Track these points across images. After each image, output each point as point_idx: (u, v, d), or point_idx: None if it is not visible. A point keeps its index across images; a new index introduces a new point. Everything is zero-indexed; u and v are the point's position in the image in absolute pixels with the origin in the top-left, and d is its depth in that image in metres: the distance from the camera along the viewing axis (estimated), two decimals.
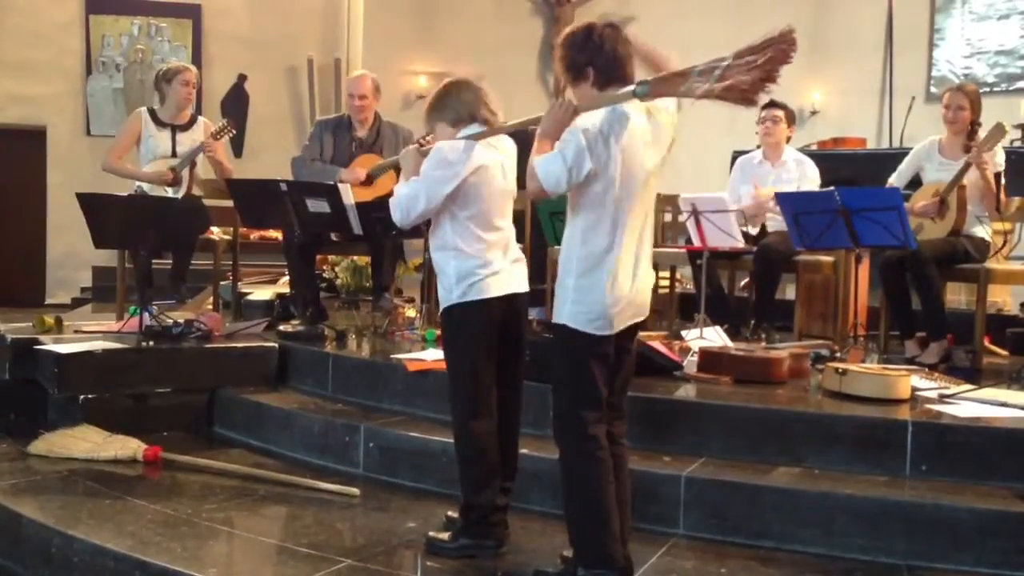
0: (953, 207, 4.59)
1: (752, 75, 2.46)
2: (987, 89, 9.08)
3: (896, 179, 4.94)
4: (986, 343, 4.85)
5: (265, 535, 3.17)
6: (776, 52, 2.45)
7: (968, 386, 3.82)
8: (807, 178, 5.27)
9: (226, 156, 5.69)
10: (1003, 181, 4.60)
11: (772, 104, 5.16)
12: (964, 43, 9.45)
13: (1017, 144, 7.08)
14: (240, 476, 3.78)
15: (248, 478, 3.76)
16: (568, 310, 2.63)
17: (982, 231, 4.71)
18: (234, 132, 5.71)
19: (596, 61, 2.66)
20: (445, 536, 3.01)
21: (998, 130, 4.48)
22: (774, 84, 2.49)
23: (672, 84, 2.56)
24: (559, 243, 2.89)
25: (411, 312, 5.32)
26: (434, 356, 4.16)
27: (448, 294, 3.00)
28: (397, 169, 3.79)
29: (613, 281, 2.61)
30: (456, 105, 3.03)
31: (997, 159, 4.62)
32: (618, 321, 2.64)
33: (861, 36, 9.53)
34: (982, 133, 4.63)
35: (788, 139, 5.42)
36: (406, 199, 2.97)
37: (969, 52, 9.42)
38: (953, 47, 9.48)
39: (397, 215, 3.01)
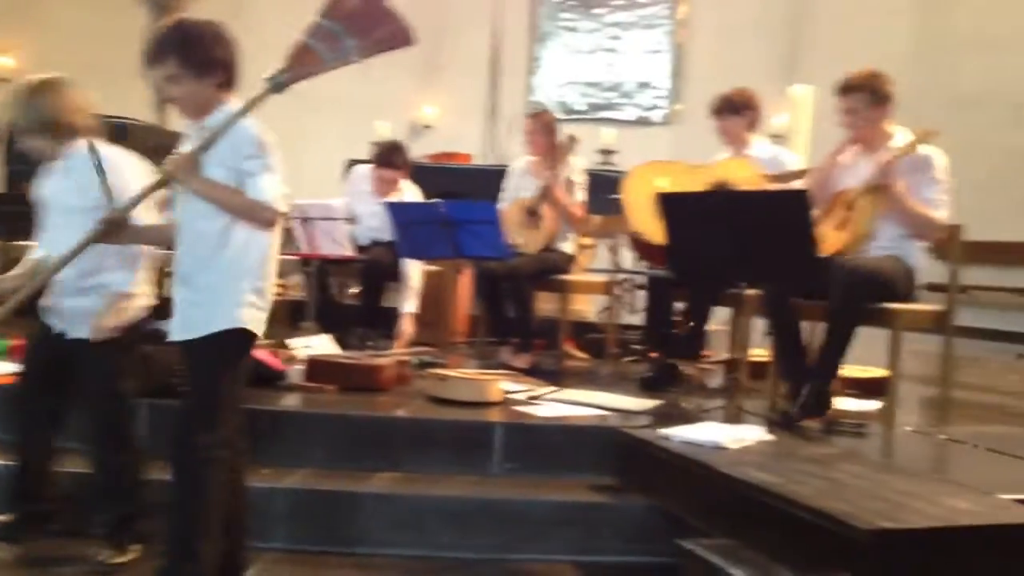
0: (547, 220, 4.95)
1: (382, 30, 2.61)
2: (577, 116, 10.03)
3: (505, 200, 5.27)
4: (569, 348, 5.33)
5: None
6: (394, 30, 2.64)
7: (552, 388, 4.16)
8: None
9: None
10: (583, 197, 5.05)
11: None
12: (559, 73, 10.33)
13: (600, 166, 7.88)
14: None
15: None
16: (245, 313, 2.54)
17: (568, 246, 5.16)
18: None
19: (228, 60, 2.53)
20: None
21: (569, 141, 4.93)
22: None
23: (306, 67, 2.57)
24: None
25: None
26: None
27: None
28: None
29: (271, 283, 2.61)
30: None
31: (575, 176, 5.05)
32: None
33: (471, 58, 10.08)
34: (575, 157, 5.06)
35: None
36: None
37: (564, 81, 10.32)
38: (550, 76, 10.34)
39: None
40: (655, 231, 3.95)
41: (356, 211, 5.46)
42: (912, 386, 4.54)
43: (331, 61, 2.60)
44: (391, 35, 2.66)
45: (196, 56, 2.47)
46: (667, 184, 4.34)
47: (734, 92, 4.79)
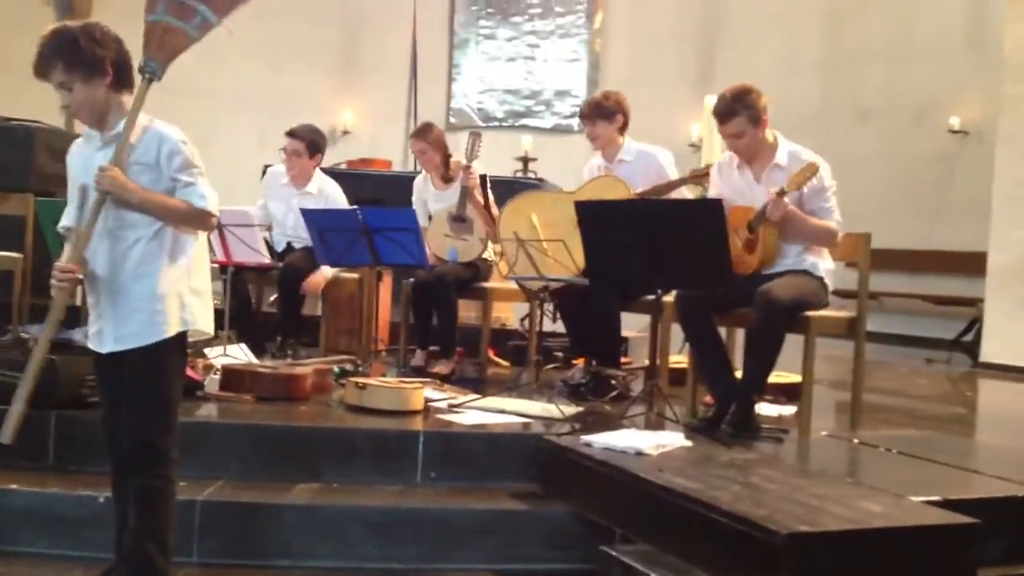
0: (477, 223, 4.95)
1: None
2: (496, 124, 10.07)
3: (420, 217, 5.25)
4: (491, 355, 5.33)
5: None
6: None
7: (474, 395, 4.15)
8: None
9: None
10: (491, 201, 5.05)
11: None
12: (478, 80, 10.35)
13: (519, 174, 7.91)
14: None
15: None
16: (188, 315, 2.56)
17: (488, 253, 5.16)
18: None
19: (114, 58, 2.48)
20: None
21: (473, 140, 4.95)
22: None
23: (175, 44, 2.56)
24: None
25: None
26: None
27: None
28: None
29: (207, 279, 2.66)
30: None
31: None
32: None
33: (389, 63, 10.03)
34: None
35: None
36: None
37: (483, 88, 10.34)
38: (469, 83, 10.35)
39: None
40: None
41: (272, 213, 5.39)
42: (826, 391, 4.68)
43: (194, 31, 2.60)
44: None
45: (80, 59, 2.45)
46: (540, 217, 4.41)
47: (602, 96, 4.77)
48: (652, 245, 3.54)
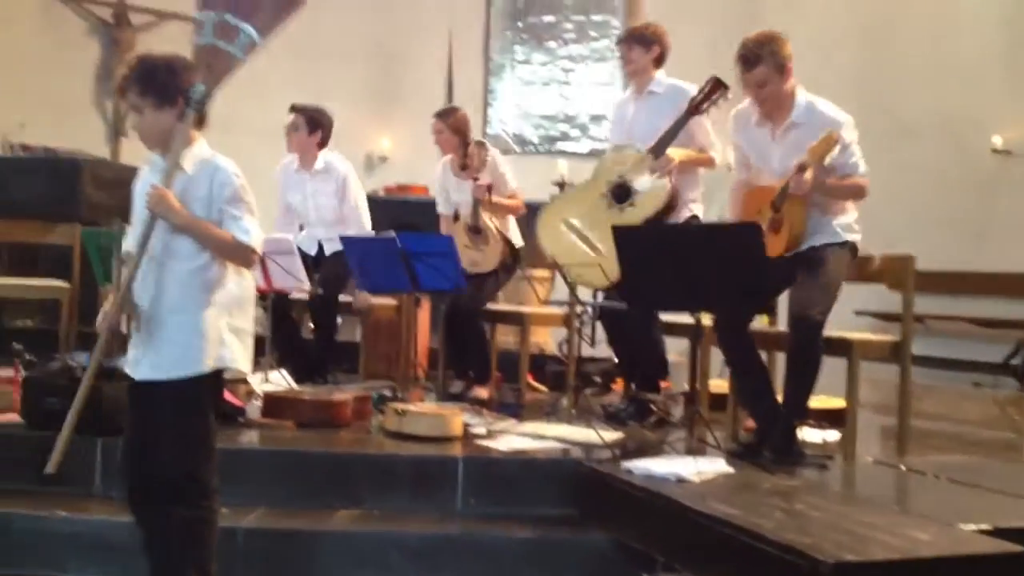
0: (491, 231, 4.95)
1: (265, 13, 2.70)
2: (532, 149, 10.10)
3: (441, 206, 5.34)
4: (529, 380, 5.32)
5: None
6: None
7: (512, 421, 4.14)
8: None
9: None
10: (514, 184, 5.11)
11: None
12: (514, 106, 10.39)
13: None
14: None
15: None
16: (227, 352, 2.58)
17: (516, 236, 5.13)
18: None
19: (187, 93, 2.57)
20: None
21: (478, 148, 4.92)
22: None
23: (222, 67, 2.64)
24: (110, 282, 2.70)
25: None
26: None
27: None
28: None
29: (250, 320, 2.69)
30: None
31: (500, 168, 5.06)
32: None
33: (426, 90, 10.09)
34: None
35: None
36: None
37: (518, 113, 10.38)
38: (505, 108, 10.38)
39: None
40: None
41: (292, 206, 5.38)
42: (871, 415, 4.60)
43: (240, 52, 2.66)
44: (281, 2, 2.71)
45: (154, 87, 2.54)
46: (575, 213, 4.34)
47: (643, 24, 4.68)
48: (689, 267, 3.49)
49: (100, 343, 2.55)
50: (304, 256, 5.10)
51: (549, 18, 10.39)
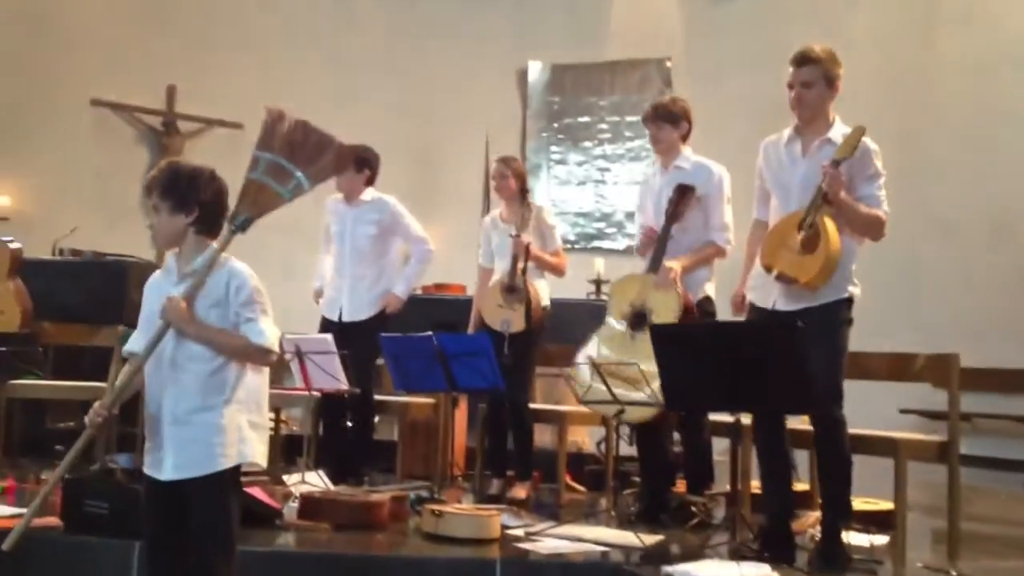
0: (528, 289, 4.91)
1: (326, 156, 2.78)
2: (568, 247, 10.18)
3: (483, 259, 5.36)
4: (567, 480, 5.25)
5: None
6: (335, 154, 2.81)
7: (551, 523, 4.07)
8: None
9: None
10: (558, 241, 5.21)
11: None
12: (551, 204, 10.52)
13: (592, 296, 7.94)
14: None
15: None
16: (248, 448, 2.63)
17: (545, 299, 5.09)
18: None
19: (207, 201, 2.67)
20: None
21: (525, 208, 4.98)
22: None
23: (267, 202, 2.71)
24: None
25: None
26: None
27: None
28: None
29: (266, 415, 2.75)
30: None
31: (547, 219, 5.17)
32: None
33: (464, 189, 10.28)
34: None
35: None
36: None
37: (555, 212, 10.50)
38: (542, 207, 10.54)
39: None
40: None
41: (333, 236, 5.42)
42: (919, 518, 4.46)
43: (287, 194, 2.74)
44: (335, 159, 2.81)
45: (174, 192, 2.66)
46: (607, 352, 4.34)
47: (670, 99, 4.73)
48: (731, 367, 3.43)
49: (84, 436, 2.61)
50: (327, 323, 5.13)
51: (584, 119, 10.61)
